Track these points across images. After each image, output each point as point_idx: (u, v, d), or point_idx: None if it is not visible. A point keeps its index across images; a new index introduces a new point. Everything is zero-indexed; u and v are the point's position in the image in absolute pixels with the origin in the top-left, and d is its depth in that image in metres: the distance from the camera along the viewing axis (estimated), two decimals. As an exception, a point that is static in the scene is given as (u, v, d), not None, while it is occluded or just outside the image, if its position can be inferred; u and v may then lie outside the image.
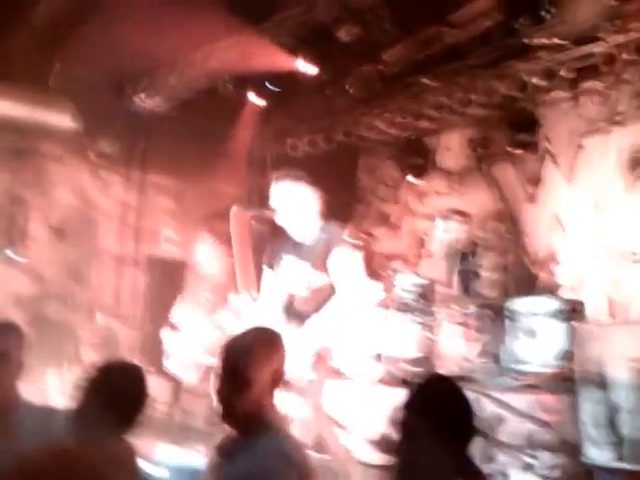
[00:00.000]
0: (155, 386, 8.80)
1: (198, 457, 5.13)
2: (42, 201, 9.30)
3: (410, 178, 9.24)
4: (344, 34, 7.39)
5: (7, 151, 8.94)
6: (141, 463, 3.13)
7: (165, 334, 6.87)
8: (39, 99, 8.69)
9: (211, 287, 6.91)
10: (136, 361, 8.45)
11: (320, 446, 4.66)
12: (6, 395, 3.04)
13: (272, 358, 2.65)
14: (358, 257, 4.99)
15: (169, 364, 6.81)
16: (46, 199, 9.34)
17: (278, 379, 2.70)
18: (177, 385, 7.39)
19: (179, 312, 6.92)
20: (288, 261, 5.04)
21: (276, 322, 4.92)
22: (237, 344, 2.70)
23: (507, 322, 6.34)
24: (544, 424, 5.40)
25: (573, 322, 5.88)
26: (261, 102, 8.93)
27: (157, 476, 4.66)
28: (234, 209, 4.82)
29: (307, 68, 7.85)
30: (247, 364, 2.59)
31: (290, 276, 5.01)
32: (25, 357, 3.26)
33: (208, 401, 6.65)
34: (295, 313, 4.96)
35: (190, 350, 6.63)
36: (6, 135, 8.70)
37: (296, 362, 4.60)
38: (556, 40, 7.18)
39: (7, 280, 8.24)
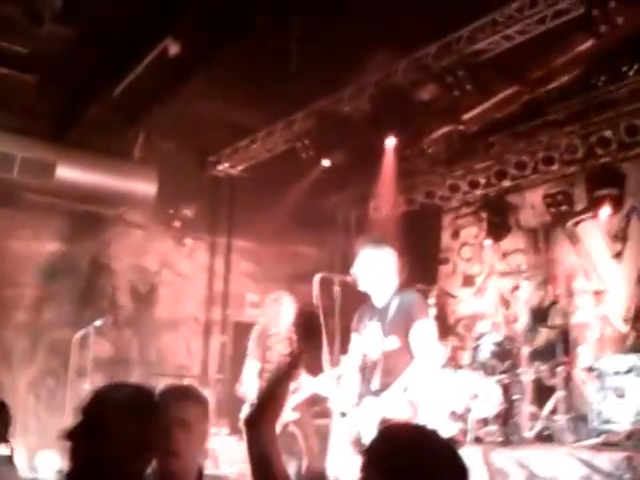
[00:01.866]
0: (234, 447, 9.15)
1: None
2: (126, 268, 9.93)
3: (490, 237, 9.51)
4: (423, 96, 7.91)
5: (92, 219, 9.60)
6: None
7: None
8: (123, 168, 9.38)
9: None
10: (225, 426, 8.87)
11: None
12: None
13: (140, 420, 2.47)
14: (433, 324, 5.23)
15: None
16: (130, 266, 9.96)
17: (144, 448, 2.49)
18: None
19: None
20: (369, 326, 5.22)
21: (355, 387, 5.20)
22: (104, 394, 2.54)
23: (594, 381, 6.61)
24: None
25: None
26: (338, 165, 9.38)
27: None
28: (317, 276, 4.93)
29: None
30: (106, 414, 2.43)
31: (368, 340, 5.20)
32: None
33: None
34: (369, 376, 5.10)
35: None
36: (90, 204, 9.37)
37: (365, 426, 4.87)
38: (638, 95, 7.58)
39: (94, 347, 8.54)
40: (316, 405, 6.87)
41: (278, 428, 4.83)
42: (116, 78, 8.13)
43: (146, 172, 9.37)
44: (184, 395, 3.09)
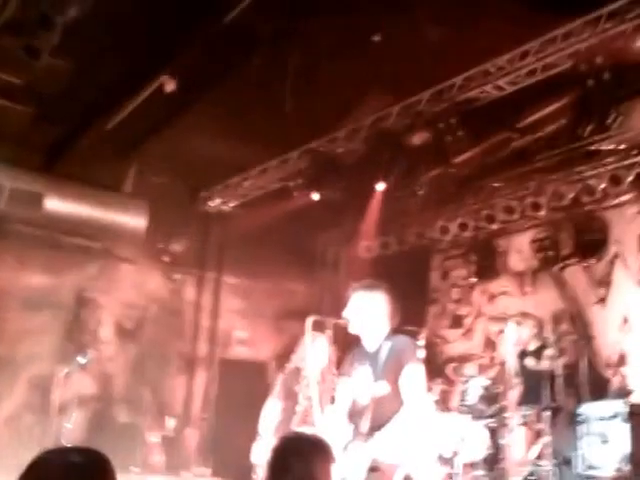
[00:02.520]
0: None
1: None
2: (113, 302, 10.01)
3: (478, 280, 9.85)
4: (416, 140, 8.31)
5: (78, 252, 9.66)
6: None
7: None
8: (113, 201, 9.53)
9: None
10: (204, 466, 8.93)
11: None
12: None
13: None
14: (423, 369, 5.24)
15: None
16: (117, 300, 10.04)
17: None
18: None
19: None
20: (359, 370, 5.31)
21: (343, 431, 5.32)
22: (47, 464, 2.53)
23: (578, 426, 6.92)
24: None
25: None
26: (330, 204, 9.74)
27: None
28: (310, 319, 5.08)
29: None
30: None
31: (358, 384, 5.28)
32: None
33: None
34: (357, 422, 5.14)
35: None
36: (78, 236, 9.48)
37: (353, 471, 4.95)
38: (622, 146, 8.01)
39: (76, 383, 8.54)
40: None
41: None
42: (111, 112, 8.37)
43: (136, 206, 9.52)
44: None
